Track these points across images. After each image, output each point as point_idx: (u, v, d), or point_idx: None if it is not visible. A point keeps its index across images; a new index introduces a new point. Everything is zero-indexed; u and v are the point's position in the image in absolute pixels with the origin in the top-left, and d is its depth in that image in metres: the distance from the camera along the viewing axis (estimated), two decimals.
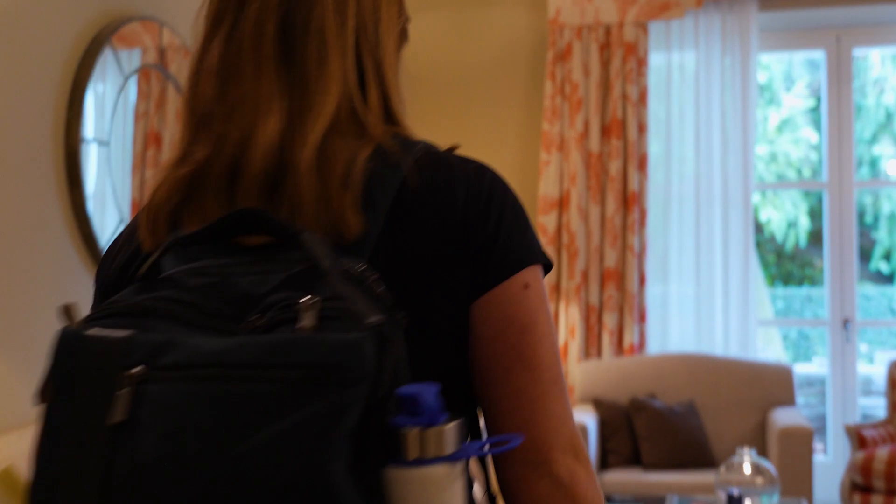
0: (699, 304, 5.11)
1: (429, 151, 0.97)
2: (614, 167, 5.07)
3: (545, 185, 5.15)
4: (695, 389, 4.68)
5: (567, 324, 5.05)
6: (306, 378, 0.71)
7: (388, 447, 0.75)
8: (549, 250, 5.10)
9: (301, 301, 0.75)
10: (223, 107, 0.93)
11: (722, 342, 5.06)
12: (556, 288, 5.13)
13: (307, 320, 0.74)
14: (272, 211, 0.90)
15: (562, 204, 5.15)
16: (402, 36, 1.06)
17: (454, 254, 0.92)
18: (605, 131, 5.15)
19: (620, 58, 5.12)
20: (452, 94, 5.34)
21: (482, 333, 0.94)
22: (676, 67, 5.24)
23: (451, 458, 0.76)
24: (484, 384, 0.95)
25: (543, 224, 5.12)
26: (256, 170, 0.90)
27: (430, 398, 0.75)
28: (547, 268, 0.99)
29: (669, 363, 4.80)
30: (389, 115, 1.00)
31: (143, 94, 3.50)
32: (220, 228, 0.85)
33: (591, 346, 5.05)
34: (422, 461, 0.74)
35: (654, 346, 5.12)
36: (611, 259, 5.04)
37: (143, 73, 3.42)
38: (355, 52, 0.97)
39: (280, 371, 0.71)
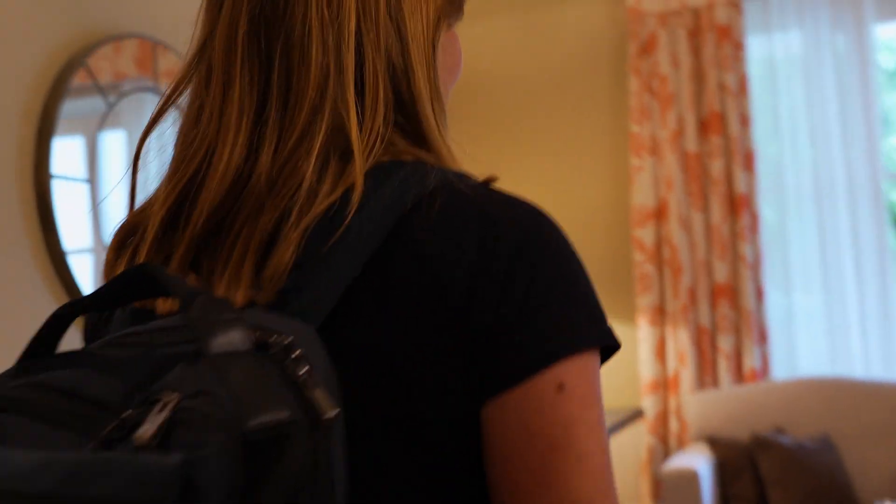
0: (831, 318, 4.41)
1: (446, 185, 0.75)
2: (716, 168, 4.44)
3: (639, 193, 4.55)
4: (830, 420, 3.97)
5: (676, 350, 4.41)
6: None
7: None
8: (649, 268, 4.49)
9: (157, 399, 0.58)
10: (193, 138, 0.79)
11: (861, 361, 4.34)
12: (661, 310, 4.50)
13: (147, 428, 0.56)
14: (208, 261, 0.75)
15: (659, 214, 4.55)
16: (450, 12, 0.84)
17: (451, 332, 0.70)
18: (702, 128, 4.53)
19: (713, 43, 4.50)
20: (527, 101, 4.82)
21: (494, 450, 0.71)
22: (780, 50, 4.60)
23: None
24: None
25: (640, 238, 4.52)
26: (201, 210, 0.75)
27: None
28: (608, 350, 0.75)
29: (799, 390, 4.11)
30: (414, 130, 0.79)
31: None
32: (116, 289, 0.69)
33: (706, 375, 4.40)
34: None
35: (781, 371, 4.43)
36: (721, 273, 4.40)
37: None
38: (356, 44, 0.77)
39: None
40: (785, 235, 4.52)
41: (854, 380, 4.10)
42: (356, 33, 0.77)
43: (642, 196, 4.55)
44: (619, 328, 4.62)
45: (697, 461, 3.74)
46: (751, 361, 4.32)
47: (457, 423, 0.71)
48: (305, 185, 0.73)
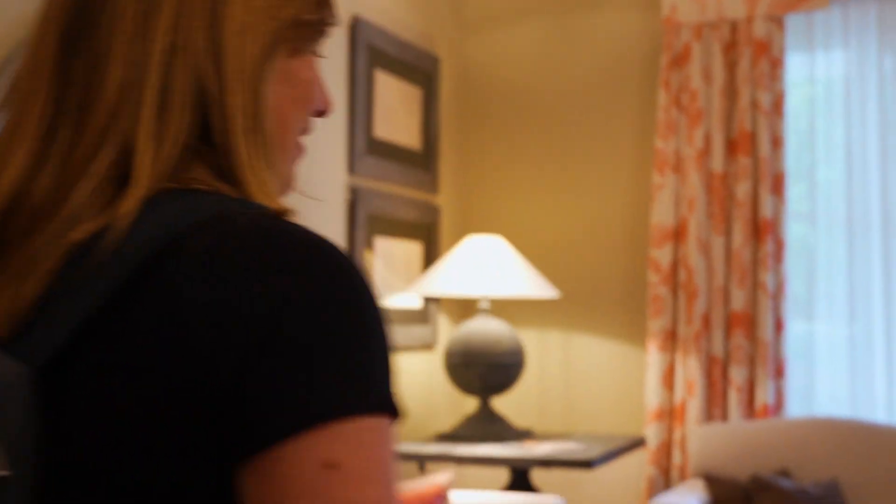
0: (854, 353, 4.15)
1: (223, 218, 0.67)
2: (742, 190, 4.21)
3: (658, 212, 4.33)
4: (840, 465, 3.72)
5: (685, 379, 4.18)
6: None
7: None
8: (664, 290, 4.26)
9: None
10: None
11: (884, 404, 4.07)
12: (672, 336, 4.27)
13: None
14: None
15: (678, 235, 4.33)
16: (295, 37, 0.76)
17: (196, 385, 0.62)
18: (730, 147, 4.30)
19: (749, 59, 4.27)
20: (550, 109, 4.63)
21: None
22: (821, 69, 4.36)
23: None
24: None
25: (656, 259, 4.30)
26: None
27: None
28: (392, 416, 0.65)
29: (810, 430, 3.86)
30: (220, 162, 0.72)
31: None
32: None
33: (715, 407, 4.16)
34: None
35: (796, 408, 4.18)
36: (738, 301, 4.16)
37: None
38: (164, 63, 0.70)
39: None
40: (811, 266, 4.27)
41: (870, 424, 3.84)
42: (166, 52, 0.71)
43: (662, 215, 4.33)
44: (626, 351, 4.41)
45: (688, 500, 3.51)
46: (764, 396, 4.08)
47: (193, 489, 0.64)
48: (69, 209, 0.68)
